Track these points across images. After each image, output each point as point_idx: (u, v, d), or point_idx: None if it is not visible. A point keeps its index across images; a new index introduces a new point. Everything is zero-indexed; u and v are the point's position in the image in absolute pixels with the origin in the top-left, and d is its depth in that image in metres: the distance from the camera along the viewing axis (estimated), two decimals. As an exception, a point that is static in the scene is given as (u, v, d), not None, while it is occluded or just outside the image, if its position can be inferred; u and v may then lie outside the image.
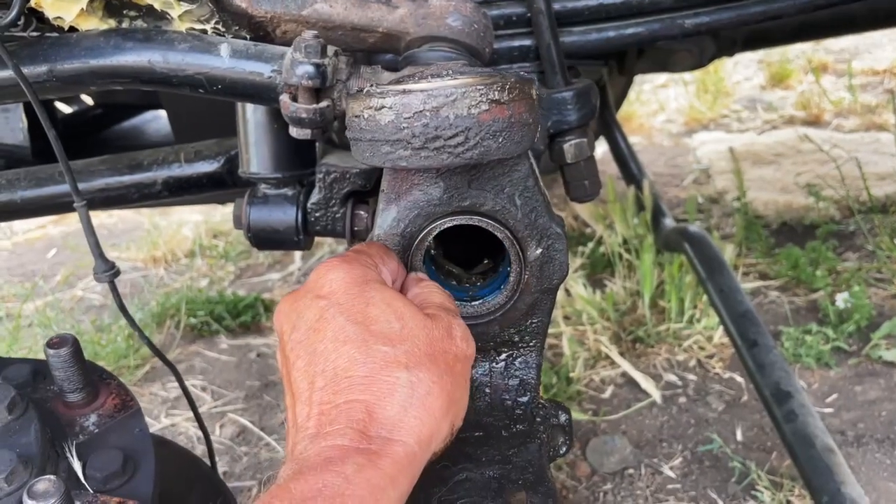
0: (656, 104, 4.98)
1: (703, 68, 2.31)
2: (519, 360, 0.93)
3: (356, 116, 0.75)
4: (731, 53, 2.28)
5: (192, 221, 3.82)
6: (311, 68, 0.87)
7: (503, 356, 0.93)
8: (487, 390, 0.92)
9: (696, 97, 4.87)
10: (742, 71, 5.51)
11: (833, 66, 5.30)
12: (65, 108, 2.19)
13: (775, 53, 5.22)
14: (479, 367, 0.93)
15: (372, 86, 0.79)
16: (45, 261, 3.70)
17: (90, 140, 2.16)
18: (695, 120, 4.61)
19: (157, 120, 2.23)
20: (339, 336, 0.69)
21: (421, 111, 0.70)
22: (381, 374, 0.66)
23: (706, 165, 3.78)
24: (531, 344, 0.93)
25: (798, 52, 5.39)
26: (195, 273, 3.31)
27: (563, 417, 0.91)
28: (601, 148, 3.19)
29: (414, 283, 0.83)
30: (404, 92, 0.71)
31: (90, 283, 3.29)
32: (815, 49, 5.47)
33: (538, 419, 0.90)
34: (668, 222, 2.47)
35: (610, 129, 2.85)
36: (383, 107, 0.72)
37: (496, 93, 0.71)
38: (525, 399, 0.92)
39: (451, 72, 0.79)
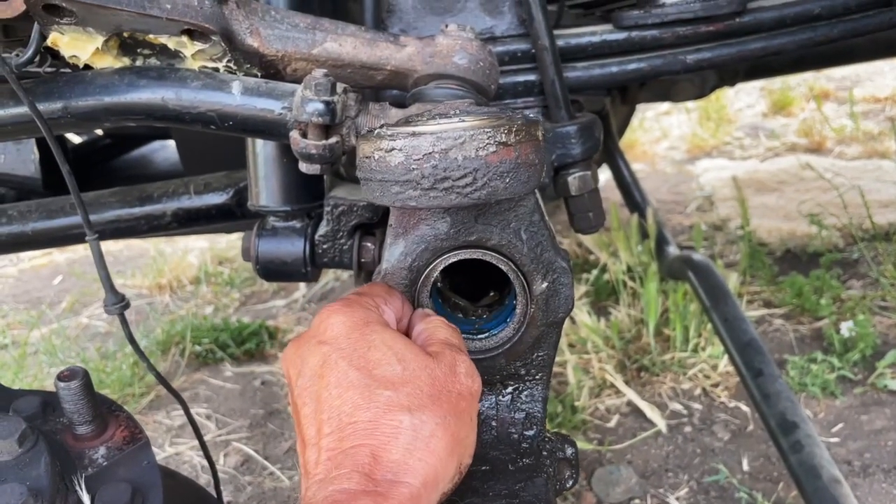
0: (659, 131, 5.02)
1: (705, 97, 2.34)
2: (525, 393, 0.94)
3: (367, 157, 0.77)
4: (732, 83, 2.31)
5: (198, 248, 3.84)
6: (320, 105, 0.89)
7: (509, 389, 0.94)
8: (494, 423, 0.93)
9: (698, 124, 4.91)
10: (744, 98, 5.56)
11: (835, 93, 5.34)
12: (75, 139, 2.22)
13: (777, 81, 5.27)
14: (486, 400, 0.94)
15: (382, 127, 0.81)
16: (51, 287, 3.72)
17: (100, 169, 2.18)
18: (697, 147, 4.64)
19: (165, 149, 2.25)
20: (342, 382, 0.70)
21: (430, 153, 0.72)
22: (384, 418, 0.67)
23: (709, 192, 3.79)
24: (537, 377, 0.94)
25: (800, 80, 5.43)
26: (200, 300, 3.32)
27: (569, 451, 0.91)
28: (604, 175, 3.21)
29: (420, 318, 0.84)
30: (414, 134, 0.73)
31: (96, 311, 3.30)
32: (817, 77, 5.52)
33: (544, 453, 0.90)
34: (672, 250, 2.48)
35: (613, 156, 2.88)
36: (393, 148, 0.73)
37: (503, 135, 0.73)
38: (531, 432, 0.92)
39: (458, 111, 0.81)
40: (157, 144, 2.27)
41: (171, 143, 2.14)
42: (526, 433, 0.92)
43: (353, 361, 0.71)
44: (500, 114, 0.80)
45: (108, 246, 4.07)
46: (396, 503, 0.63)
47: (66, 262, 3.99)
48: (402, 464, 0.65)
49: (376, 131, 0.77)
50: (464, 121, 0.76)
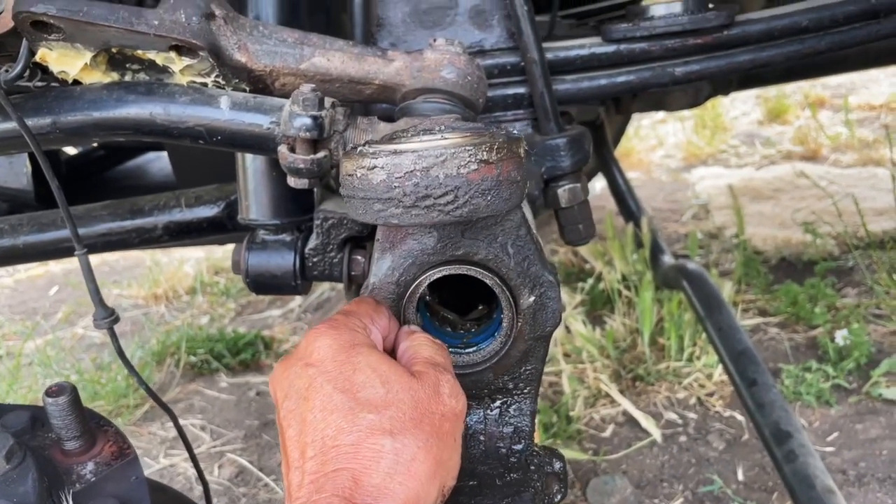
0: (655, 139, 5.03)
1: (699, 106, 2.34)
2: (513, 407, 0.94)
3: (349, 175, 0.77)
4: (726, 93, 2.32)
5: (194, 258, 3.84)
6: (308, 120, 0.89)
7: (497, 403, 0.94)
8: (482, 438, 0.93)
9: (694, 133, 4.92)
10: (740, 106, 5.57)
11: (830, 101, 5.36)
12: (69, 150, 2.22)
13: (772, 89, 5.28)
14: (474, 414, 0.94)
15: (365, 144, 0.81)
16: (47, 298, 3.71)
17: (93, 180, 2.18)
18: (693, 155, 4.65)
19: (159, 160, 2.25)
20: (326, 405, 0.70)
21: (412, 171, 0.72)
22: (366, 442, 0.68)
23: (705, 201, 3.80)
24: (525, 391, 0.94)
25: (795, 88, 5.45)
26: (196, 310, 3.32)
27: (557, 465, 0.91)
28: (600, 184, 3.22)
29: (405, 336, 0.84)
30: (395, 152, 0.73)
31: (91, 322, 3.30)
32: (812, 85, 5.53)
33: (532, 467, 0.90)
34: (667, 259, 2.48)
35: (608, 165, 2.88)
36: (375, 166, 0.73)
37: (485, 153, 0.73)
38: (519, 447, 0.92)
39: (443, 128, 0.81)
40: (152, 155, 2.27)
41: (165, 154, 2.14)
42: (514, 447, 0.92)
43: (337, 384, 0.72)
44: (482, 131, 0.80)
45: (104, 255, 4.08)
46: None
47: (63, 272, 3.99)
48: (383, 488, 0.66)
49: (359, 149, 0.77)
50: (446, 138, 0.76)
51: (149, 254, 3.95)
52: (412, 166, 0.72)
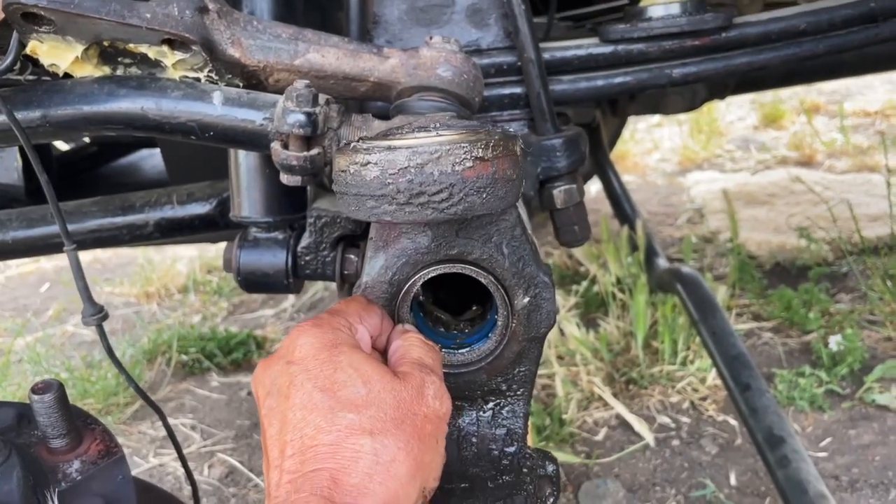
0: (650, 143, 5.03)
1: (695, 110, 2.34)
2: (506, 409, 0.92)
3: (342, 171, 0.76)
4: (722, 97, 2.32)
5: (187, 257, 3.82)
6: (302, 117, 0.88)
7: (490, 405, 0.93)
8: (474, 440, 0.92)
9: (689, 137, 4.92)
10: (735, 111, 5.58)
11: (825, 107, 5.37)
12: (61, 146, 2.20)
13: (768, 94, 5.30)
14: (467, 415, 0.93)
15: (358, 140, 0.80)
16: (38, 295, 3.69)
17: (86, 177, 2.17)
18: (689, 159, 4.65)
19: (152, 158, 2.24)
20: (307, 404, 0.70)
21: (406, 167, 0.71)
22: (345, 441, 0.67)
23: (700, 205, 3.80)
24: (518, 393, 0.93)
25: (791, 94, 5.46)
26: (188, 309, 3.30)
27: (550, 468, 0.90)
28: (595, 187, 3.21)
29: (398, 335, 0.83)
30: (389, 148, 0.72)
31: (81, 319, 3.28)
32: (808, 90, 5.55)
33: (525, 470, 0.89)
34: (662, 262, 2.48)
35: (604, 168, 2.88)
36: (368, 162, 0.72)
37: (480, 150, 0.72)
38: (512, 449, 0.91)
39: (437, 125, 0.80)
40: (145, 153, 2.26)
41: (158, 151, 2.13)
42: (506, 450, 0.91)
43: (318, 383, 0.71)
44: (478, 128, 0.79)
45: (96, 253, 4.06)
46: None
47: (54, 269, 3.97)
48: (362, 488, 0.65)
49: (352, 145, 0.76)
50: (441, 135, 0.75)
51: (141, 252, 3.93)
52: (406, 163, 0.71)
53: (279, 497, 0.65)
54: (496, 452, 0.91)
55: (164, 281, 3.53)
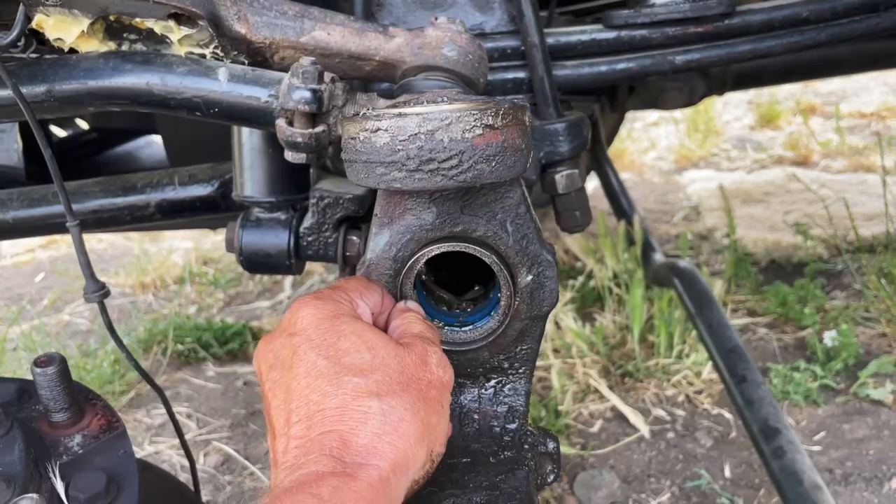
0: (647, 141, 5.04)
1: (693, 107, 2.35)
2: (508, 386, 0.93)
3: (352, 138, 0.76)
4: (720, 92, 2.32)
5: (183, 248, 3.81)
6: (307, 93, 0.88)
7: (492, 382, 0.93)
8: (476, 416, 0.92)
9: (686, 135, 4.94)
10: (732, 111, 5.60)
11: (821, 108, 5.39)
12: (59, 132, 2.20)
13: (764, 94, 5.32)
14: (469, 393, 0.93)
15: (368, 109, 0.80)
16: (33, 284, 3.68)
17: (84, 164, 2.16)
18: (685, 158, 4.66)
19: (151, 145, 2.23)
20: (311, 371, 0.70)
21: (416, 134, 0.72)
22: (352, 404, 0.67)
23: (696, 203, 3.81)
24: (520, 371, 0.93)
25: (787, 94, 5.48)
26: (184, 300, 3.30)
27: (550, 445, 0.91)
28: (593, 183, 3.22)
29: (399, 313, 0.84)
30: (400, 115, 0.72)
31: (77, 308, 3.27)
32: (804, 91, 5.57)
33: (526, 446, 0.90)
34: (658, 257, 2.49)
35: (601, 164, 2.88)
36: (379, 129, 0.73)
37: (490, 118, 0.73)
38: (513, 426, 0.92)
39: (445, 98, 0.81)
40: (142, 141, 2.25)
41: (157, 138, 2.13)
42: (508, 426, 0.92)
43: (321, 351, 0.71)
44: (487, 99, 0.79)
45: (91, 244, 4.04)
46: (365, 484, 0.63)
47: (49, 259, 3.95)
48: (371, 447, 0.65)
49: (362, 112, 0.77)
50: (451, 104, 0.75)
51: (137, 242, 3.92)
52: (417, 129, 0.71)
53: (287, 461, 0.65)
54: (498, 429, 0.92)
55: (160, 271, 3.52)
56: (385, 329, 0.85)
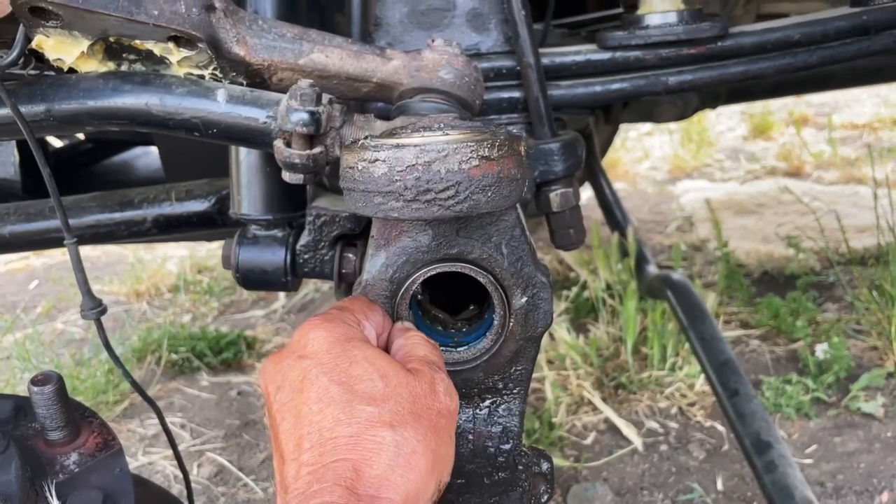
0: (641, 152, 5.07)
1: (687, 119, 2.37)
2: (502, 407, 0.94)
3: (350, 168, 0.77)
4: (713, 106, 2.35)
5: (177, 256, 3.81)
6: (305, 115, 0.89)
7: (487, 403, 0.94)
8: (470, 437, 0.93)
9: (680, 146, 4.97)
10: (725, 122, 5.63)
11: (814, 119, 5.43)
12: (56, 142, 2.20)
13: (758, 105, 5.35)
14: (463, 413, 0.94)
15: (366, 138, 0.81)
16: (27, 292, 3.67)
17: (80, 174, 2.17)
18: (679, 168, 4.69)
19: (147, 156, 2.24)
20: (322, 397, 0.69)
21: (413, 165, 0.73)
22: (366, 433, 0.67)
23: (689, 213, 3.83)
24: (515, 391, 0.94)
25: (780, 105, 5.52)
26: (178, 308, 3.30)
27: (545, 466, 0.92)
28: (586, 194, 3.24)
29: (400, 333, 0.84)
30: (398, 146, 0.73)
31: (71, 317, 3.27)
32: (797, 102, 5.61)
33: (520, 467, 0.90)
34: (651, 269, 2.50)
35: (595, 175, 2.90)
36: (377, 160, 0.74)
37: (486, 149, 0.74)
38: (508, 446, 0.92)
39: (442, 125, 0.82)
40: (139, 150, 2.26)
41: (154, 149, 2.13)
42: (502, 447, 0.92)
43: (334, 377, 0.71)
44: (483, 128, 0.80)
45: (86, 251, 4.04)
46: None
47: (43, 266, 3.95)
48: (384, 479, 0.65)
49: (360, 142, 0.78)
50: (447, 134, 0.76)
51: (131, 251, 3.92)
52: (414, 160, 0.72)
53: (299, 488, 0.65)
54: (492, 449, 0.92)
55: (155, 280, 3.52)
56: (387, 349, 0.85)
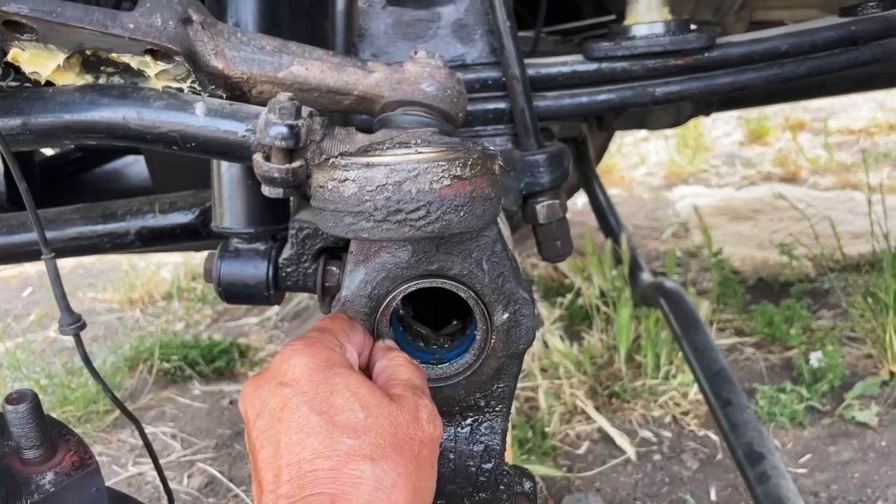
0: (637, 157, 5.06)
1: (681, 125, 2.36)
2: (484, 425, 0.92)
3: (320, 187, 0.76)
4: (707, 113, 2.33)
5: (171, 263, 3.80)
6: (284, 129, 0.87)
7: (468, 421, 0.93)
8: (452, 456, 0.92)
9: (676, 151, 4.96)
10: (721, 127, 5.63)
11: (810, 124, 5.43)
12: (46, 151, 2.19)
13: (754, 111, 5.35)
14: (445, 431, 0.92)
15: (338, 156, 0.80)
16: (20, 300, 3.65)
17: (70, 182, 2.15)
18: (675, 174, 4.68)
19: (138, 164, 2.23)
20: (303, 428, 0.68)
21: (383, 185, 0.71)
22: (346, 467, 0.66)
23: (685, 219, 3.82)
24: (497, 409, 0.93)
25: (776, 111, 5.52)
26: (171, 316, 3.28)
27: (527, 485, 0.90)
28: (581, 200, 3.23)
29: (381, 353, 0.83)
30: (367, 165, 0.72)
31: (64, 324, 3.25)
32: (793, 108, 5.61)
33: (502, 487, 0.89)
34: (646, 276, 2.49)
35: (590, 181, 2.89)
36: (347, 179, 0.72)
37: (458, 168, 0.73)
38: (489, 466, 0.91)
39: (418, 142, 0.80)
40: (130, 159, 2.24)
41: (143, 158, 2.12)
42: (484, 466, 0.91)
43: (314, 406, 0.69)
44: (457, 146, 0.79)
45: (80, 258, 4.02)
46: None
47: (37, 274, 3.93)
48: None
49: (330, 161, 0.76)
50: (420, 152, 0.75)
51: (125, 258, 3.90)
52: (384, 180, 0.71)
53: None
54: (473, 469, 0.91)
55: (148, 287, 3.51)
56: (367, 369, 0.84)
